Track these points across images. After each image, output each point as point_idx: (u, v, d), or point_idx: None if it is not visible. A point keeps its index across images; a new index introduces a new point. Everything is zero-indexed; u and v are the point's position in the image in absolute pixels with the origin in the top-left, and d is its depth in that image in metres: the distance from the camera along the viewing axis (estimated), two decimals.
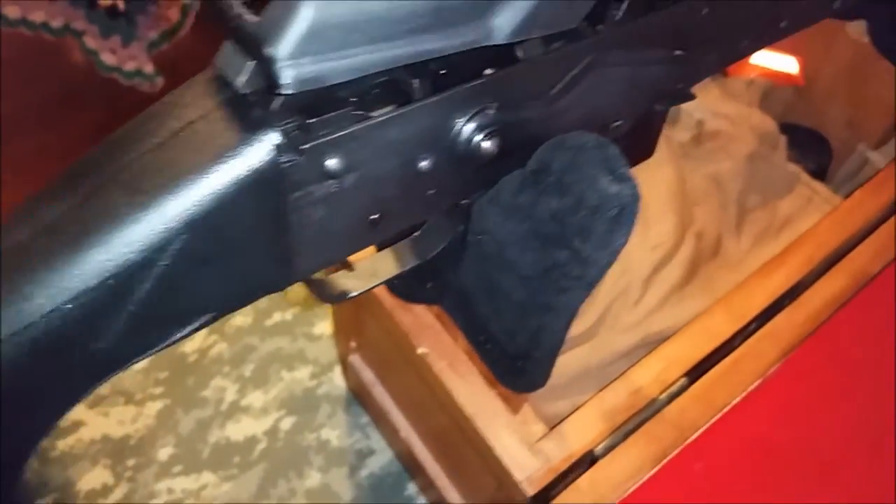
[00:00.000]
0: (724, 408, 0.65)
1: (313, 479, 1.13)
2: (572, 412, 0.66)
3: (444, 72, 0.37)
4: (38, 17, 1.18)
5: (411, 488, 1.12)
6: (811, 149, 1.04)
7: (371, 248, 0.45)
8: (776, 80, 1.00)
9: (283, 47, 0.29)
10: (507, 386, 0.63)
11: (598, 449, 0.64)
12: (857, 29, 0.95)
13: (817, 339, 0.70)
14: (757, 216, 0.87)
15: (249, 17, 0.31)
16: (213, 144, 0.32)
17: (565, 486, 0.63)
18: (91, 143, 0.34)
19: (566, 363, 0.76)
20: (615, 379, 0.67)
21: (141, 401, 1.21)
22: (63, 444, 1.17)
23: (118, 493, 1.13)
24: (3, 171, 1.10)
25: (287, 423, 1.17)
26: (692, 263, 0.80)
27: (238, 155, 0.32)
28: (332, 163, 0.34)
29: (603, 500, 0.62)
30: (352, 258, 0.44)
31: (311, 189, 0.34)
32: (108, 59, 1.21)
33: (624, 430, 0.65)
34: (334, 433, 1.15)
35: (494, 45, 0.36)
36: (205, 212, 0.32)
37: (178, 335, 0.36)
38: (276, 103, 0.32)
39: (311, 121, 0.33)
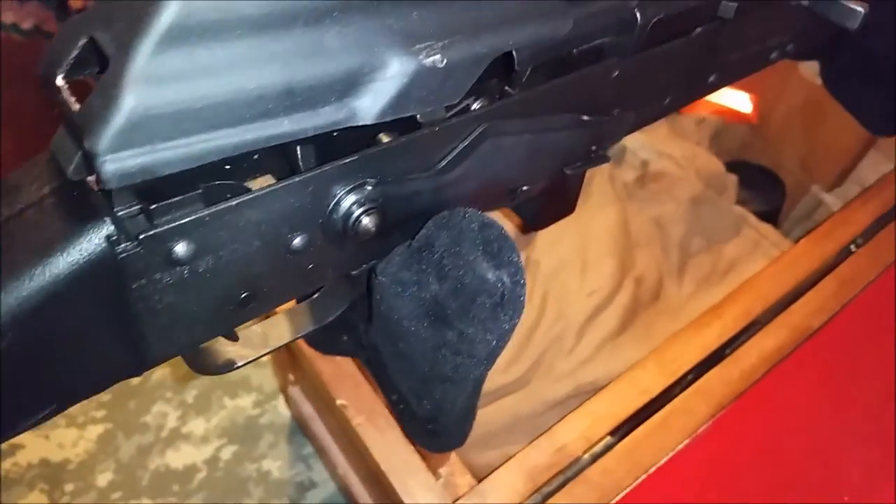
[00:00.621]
0: (650, 468, 0.63)
1: None
2: (495, 469, 0.64)
3: (313, 148, 0.35)
4: (7, 18, 1.14)
5: None
6: (764, 188, 1.03)
7: None
8: (728, 118, 0.99)
9: (101, 141, 0.26)
10: (422, 446, 0.61)
11: None
12: (810, 70, 0.93)
13: (750, 397, 0.68)
14: (700, 260, 0.86)
15: (73, 106, 0.28)
16: (41, 237, 0.30)
17: None
18: None
19: (496, 412, 0.74)
20: (540, 434, 0.65)
21: (83, 424, 1.19)
22: None
23: None
24: None
25: (227, 453, 1.14)
26: (629, 310, 0.78)
27: (68, 248, 0.29)
28: (180, 249, 0.31)
29: None
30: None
31: (156, 277, 0.32)
32: None
33: (545, 491, 0.63)
34: (276, 464, 1.12)
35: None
36: (33, 308, 0.29)
37: (22, 425, 0.34)
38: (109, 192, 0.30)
39: (152, 207, 0.31)
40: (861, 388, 0.70)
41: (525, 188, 0.48)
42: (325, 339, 0.58)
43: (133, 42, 0.26)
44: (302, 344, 0.73)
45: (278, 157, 0.36)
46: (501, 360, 0.78)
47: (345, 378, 0.66)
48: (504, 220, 0.74)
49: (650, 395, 0.67)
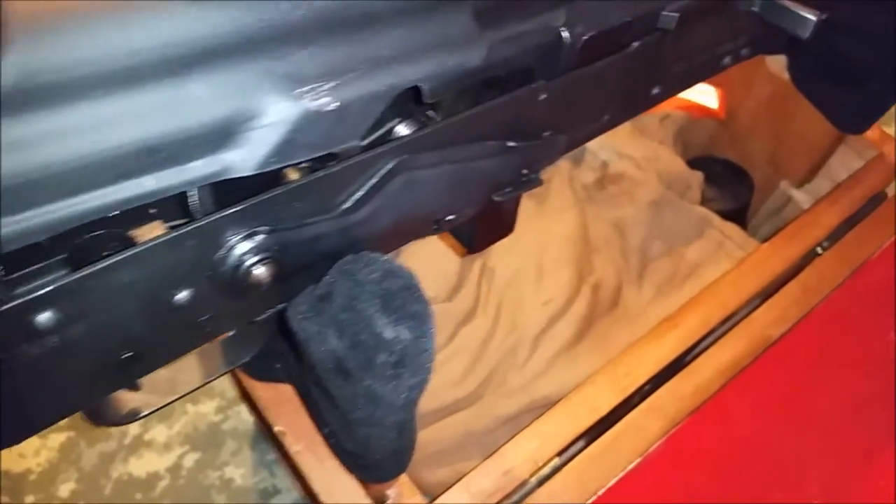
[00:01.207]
0: (598, 491, 0.61)
1: None
2: (444, 491, 0.62)
3: (209, 188, 0.32)
4: None
5: None
6: (731, 184, 1.00)
7: None
8: (694, 113, 0.96)
9: None
10: (359, 477, 0.58)
11: None
12: (778, 64, 0.90)
13: (704, 413, 0.66)
14: (661, 264, 0.83)
15: None
16: None
17: None
18: None
19: (448, 428, 0.72)
20: (488, 457, 0.63)
21: (45, 433, 1.16)
22: None
23: None
24: None
25: (190, 460, 1.12)
26: (585, 319, 0.76)
27: None
28: (43, 319, 0.29)
29: None
30: None
31: (22, 349, 0.29)
32: None
33: None
34: (239, 471, 1.10)
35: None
36: None
37: None
38: None
39: (7, 278, 0.28)
40: (820, 402, 0.68)
41: (450, 217, 0.45)
42: (258, 367, 0.56)
43: None
44: None
45: (168, 200, 0.33)
46: (453, 374, 0.76)
47: (283, 403, 0.63)
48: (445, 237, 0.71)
49: (600, 413, 0.65)
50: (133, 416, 0.42)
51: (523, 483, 0.62)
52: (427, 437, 0.72)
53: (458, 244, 0.54)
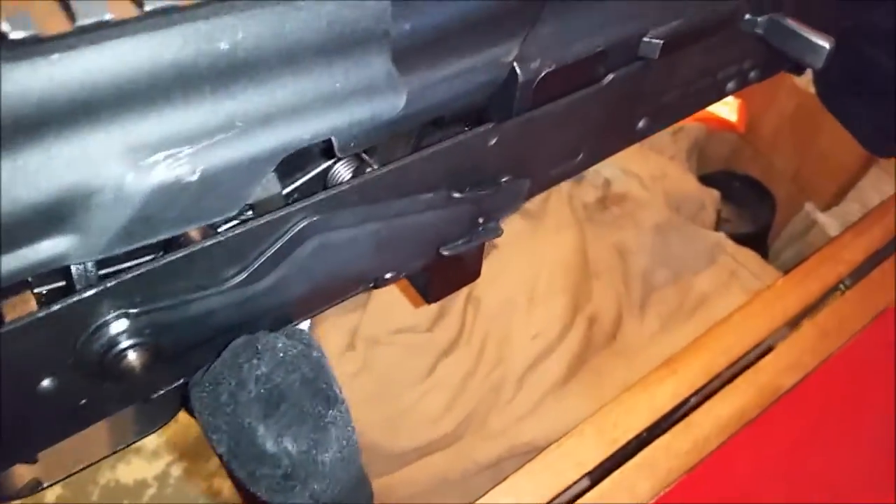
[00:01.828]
0: None
1: None
2: None
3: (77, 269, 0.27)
4: None
5: None
6: (751, 204, 0.92)
7: None
8: (711, 126, 0.88)
9: None
10: None
11: None
12: (804, 77, 0.82)
13: (700, 473, 0.59)
14: (666, 295, 0.76)
15: None
16: None
17: None
18: None
19: (422, 470, 0.67)
20: None
21: None
22: None
23: None
24: None
25: (178, 469, 1.09)
26: (578, 356, 0.70)
27: None
28: None
29: None
30: None
31: None
32: None
33: None
34: (227, 483, 1.07)
35: None
36: None
37: None
38: None
39: None
40: (833, 463, 0.61)
41: (389, 275, 0.40)
42: None
43: None
44: None
45: None
46: (431, 411, 0.70)
47: None
48: None
49: (585, 469, 0.59)
50: (35, 488, 0.38)
51: None
52: (399, 479, 0.67)
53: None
